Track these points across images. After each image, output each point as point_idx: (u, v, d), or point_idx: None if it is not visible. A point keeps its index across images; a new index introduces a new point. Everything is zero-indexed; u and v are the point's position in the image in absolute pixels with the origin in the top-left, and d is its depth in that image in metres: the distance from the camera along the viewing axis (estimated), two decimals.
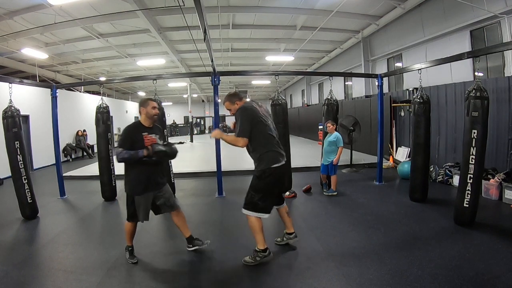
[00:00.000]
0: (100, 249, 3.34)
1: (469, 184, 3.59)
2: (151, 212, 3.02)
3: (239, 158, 10.05)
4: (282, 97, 5.71)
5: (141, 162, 2.80)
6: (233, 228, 3.94)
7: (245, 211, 2.84)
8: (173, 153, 2.96)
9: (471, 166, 3.57)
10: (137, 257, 3.06)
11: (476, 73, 5.98)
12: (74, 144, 11.97)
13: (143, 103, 2.95)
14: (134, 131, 2.88)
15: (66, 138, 11.25)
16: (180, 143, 16.48)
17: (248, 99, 3.12)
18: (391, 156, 8.16)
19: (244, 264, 2.87)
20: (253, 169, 2.91)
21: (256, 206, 2.81)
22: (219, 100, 5.48)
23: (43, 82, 9.86)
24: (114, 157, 2.77)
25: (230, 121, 28.19)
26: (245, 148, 2.89)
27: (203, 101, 29.25)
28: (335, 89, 8.75)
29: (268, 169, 2.78)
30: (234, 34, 10.55)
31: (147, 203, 2.91)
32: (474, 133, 3.54)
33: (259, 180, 2.82)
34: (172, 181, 5.48)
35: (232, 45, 12.17)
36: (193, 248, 3.17)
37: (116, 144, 2.85)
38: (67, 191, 5.87)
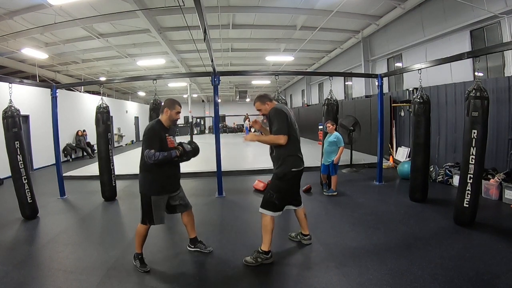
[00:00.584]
0: (100, 249, 3.34)
1: (469, 184, 3.59)
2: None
3: (239, 158, 10.06)
4: (282, 97, 5.71)
5: (163, 163, 2.74)
6: (233, 228, 3.95)
7: (262, 210, 2.92)
8: (198, 151, 2.95)
9: (471, 166, 3.57)
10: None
11: (476, 73, 5.98)
12: (74, 144, 11.97)
13: (170, 105, 2.85)
14: (160, 131, 2.78)
15: (66, 138, 11.25)
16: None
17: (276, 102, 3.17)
18: (391, 156, 8.16)
19: (244, 264, 2.88)
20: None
21: (274, 206, 2.89)
22: (219, 100, 5.49)
23: (43, 82, 9.85)
24: (147, 158, 2.63)
25: (229, 121, 28.22)
26: (266, 148, 2.97)
27: (203, 101, 29.26)
28: (335, 89, 8.76)
29: (290, 172, 2.89)
30: (234, 34, 10.55)
31: (163, 203, 2.86)
32: (474, 133, 3.54)
33: (280, 181, 2.93)
34: None
35: (232, 45, 12.17)
36: (194, 249, 3.18)
37: (144, 146, 2.72)
38: (67, 191, 5.87)
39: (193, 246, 3.19)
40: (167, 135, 2.83)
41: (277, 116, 2.87)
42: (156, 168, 2.74)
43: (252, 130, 20.52)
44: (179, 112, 2.89)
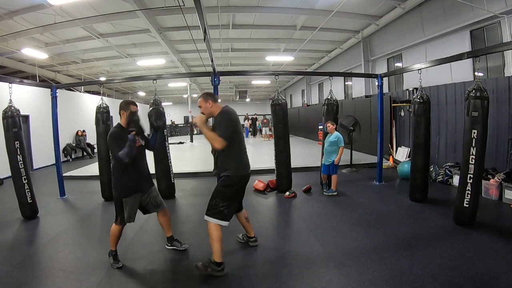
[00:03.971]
0: (100, 249, 3.33)
1: (469, 184, 3.59)
2: (148, 214, 3.08)
3: None
4: (282, 97, 5.71)
5: (127, 165, 2.79)
6: (232, 228, 3.93)
7: (207, 218, 2.75)
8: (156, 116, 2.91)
9: (471, 166, 3.57)
10: (136, 257, 3.07)
11: (476, 73, 5.97)
12: (74, 144, 11.97)
13: (124, 106, 2.94)
14: (119, 133, 2.83)
15: (66, 138, 11.25)
16: (180, 143, 16.48)
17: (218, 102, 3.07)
18: (391, 156, 8.16)
19: (195, 267, 2.74)
20: (254, 169, 2.92)
21: (220, 213, 2.73)
22: (219, 100, 5.47)
23: (43, 82, 9.86)
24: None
25: None
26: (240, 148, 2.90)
27: None
28: (335, 89, 8.75)
29: (236, 177, 2.78)
30: (234, 34, 10.55)
31: (134, 204, 2.94)
32: (474, 133, 3.54)
33: (226, 188, 2.78)
34: (172, 181, 5.48)
35: (232, 45, 12.17)
36: (171, 247, 3.29)
37: (111, 153, 2.84)
38: (67, 191, 5.87)
39: (169, 245, 3.31)
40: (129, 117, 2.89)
41: (226, 119, 2.76)
42: (122, 171, 2.85)
43: (251, 130, 20.57)
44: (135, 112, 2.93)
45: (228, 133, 2.70)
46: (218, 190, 2.81)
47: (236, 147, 2.79)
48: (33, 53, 9.09)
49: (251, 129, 20.57)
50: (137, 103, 3.18)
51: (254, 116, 20.46)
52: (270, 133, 16.89)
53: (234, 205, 2.91)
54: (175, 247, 3.27)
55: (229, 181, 2.77)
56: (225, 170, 2.79)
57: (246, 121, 21.46)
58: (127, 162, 2.74)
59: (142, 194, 2.98)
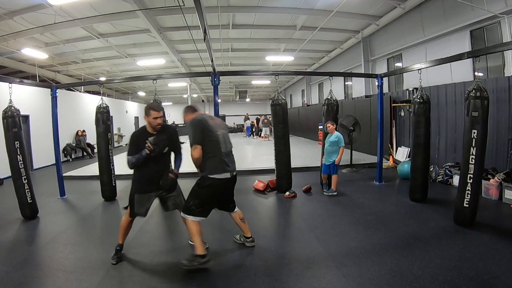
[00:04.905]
0: (100, 249, 3.34)
1: (469, 184, 3.59)
2: (148, 215, 3.10)
3: (239, 158, 10.04)
4: (282, 97, 5.71)
5: (145, 164, 2.86)
6: (232, 227, 3.92)
7: (182, 214, 2.88)
8: (163, 142, 2.90)
9: (471, 166, 3.57)
10: (137, 257, 3.08)
11: (476, 73, 5.97)
12: (74, 144, 11.97)
13: (146, 111, 2.91)
14: (139, 137, 2.88)
15: (66, 138, 11.25)
16: (180, 143, 16.47)
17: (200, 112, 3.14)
18: (391, 156, 8.16)
19: (181, 266, 2.78)
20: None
21: (192, 211, 2.81)
22: (219, 100, 5.48)
23: (43, 82, 9.85)
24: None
25: (229, 121, 28.22)
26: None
27: (203, 101, 29.22)
28: (335, 89, 8.75)
29: (208, 178, 2.81)
30: (234, 34, 10.54)
31: (146, 201, 3.00)
32: (474, 133, 3.54)
33: (197, 187, 2.87)
34: None
35: (232, 45, 12.17)
36: (193, 243, 3.21)
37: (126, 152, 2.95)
38: (67, 191, 5.87)
39: (192, 241, 3.29)
40: (148, 140, 2.82)
41: (191, 128, 2.83)
42: (138, 170, 2.93)
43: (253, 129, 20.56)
44: (156, 117, 2.85)
45: (194, 140, 2.77)
46: (192, 189, 2.93)
47: (207, 151, 2.81)
48: (33, 53, 9.08)
49: (253, 130, 20.55)
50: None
51: (260, 116, 20.23)
52: (269, 133, 16.90)
53: (208, 206, 2.91)
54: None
55: (200, 181, 2.87)
56: (202, 171, 2.89)
57: (247, 121, 21.44)
58: (148, 162, 2.84)
59: (157, 193, 3.02)
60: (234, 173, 2.98)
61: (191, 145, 2.78)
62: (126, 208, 3.11)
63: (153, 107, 2.88)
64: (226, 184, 2.93)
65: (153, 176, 2.93)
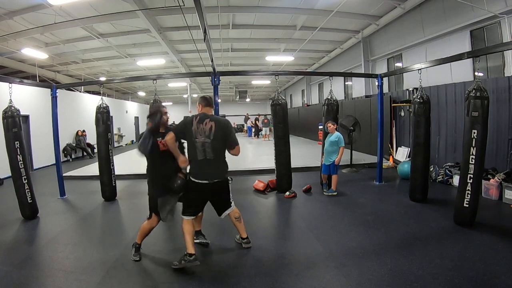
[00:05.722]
0: (100, 249, 3.34)
1: (469, 184, 3.59)
2: (147, 215, 3.11)
3: (239, 158, 10.05)
4: (282, 97, 5.71)
5: (162, 163, 2.95)
6: (232, 227, 3.92)
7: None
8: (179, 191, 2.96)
9: (471, 166, 3.57)
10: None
11: (476, 73, 5.97)
12: (74, 144, 11.96)
13: (149, 117, 3.02)
14: (148, 137, 2.90)
15: (66, 138, 11.25)
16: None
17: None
18: (391, 156, 8.16)
19: (172, 267, 2.82)
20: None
21: (182, 210, 2.95)
22: (219, 100, 5.48)
23: (43, 82, 9.86)
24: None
25: (229, 121, 28.20)
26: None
27: None
28: (335, 89, 8.74)
29: (190, 181, 2.92)
30: (234, 34, 10.54)
31: (170, 204, 2.98)
32: (474, 133, 3.54)
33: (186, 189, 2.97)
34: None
35: (232, 45, 12.16)
36: (197, 241, 3.31)
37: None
38: (67, 191, 5.87)
39: (195, 238, 3.33)
40: (159, 139, 2.92)
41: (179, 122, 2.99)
42: (153, 171, 3.00)
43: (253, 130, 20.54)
44: (166, 112, 3.05)
45: (169, 142, 2.85)
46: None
47: (188, 154, 2.92)
48: (33, 53, 9.08)
49: (252, 130, 20.54)
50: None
51: (259, 116, 20.12)
52: (269, 133, 16.89)
53: (194, 207, 2.98)
54: (199, 240, 3.36)
55: (188, 184, 2.94)
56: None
57: (249, 121, 21.40)
58: (156, 161, 2.94)
59: (175, 194, 2.98)
60: (215, 180, 2.92)
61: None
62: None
63: (159, 104, 3.13)
64: (209, 189, 2.93)
65: (165, 175, 2.94)
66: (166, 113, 3.04)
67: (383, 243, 3.30)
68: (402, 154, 7.96)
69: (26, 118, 8.96)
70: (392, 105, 8.32)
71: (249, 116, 21.99)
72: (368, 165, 7.87)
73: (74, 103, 12.60)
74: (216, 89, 5.65)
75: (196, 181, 2.88)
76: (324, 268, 2.83)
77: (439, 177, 6.00)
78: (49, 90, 5.68)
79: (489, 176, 4.91)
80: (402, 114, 8.25)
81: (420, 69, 4.77)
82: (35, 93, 9.23)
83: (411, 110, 5.68)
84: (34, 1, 6.70)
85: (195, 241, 3.28)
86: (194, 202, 2.98)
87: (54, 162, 5.95)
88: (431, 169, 5.88)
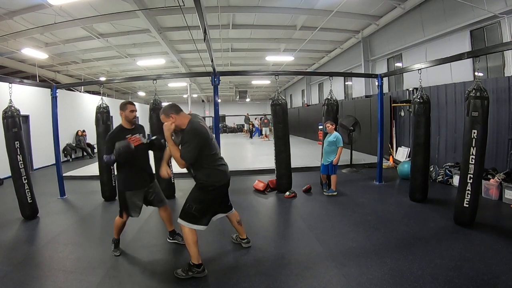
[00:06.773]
0: (100, 249, 3.34)
1: (469, 184, 3.59)
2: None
3: (239, 158, 10.04)
4: (282, 97, 5.71)
5: (131, 162, 2.99)
6: (231, 227, 3.93)
7: (180, 221, 2.71)
8: (127, 148, 2.92)
9: (471, 166, 3.57)
10: (137, 257, 3.09)
11: (476, 73, 5.97)
12: (74, 144, 11.97)
13: (122, 107, 3.14)
14: (117, 135, 3.04)
15: (66, 138, 11.25)
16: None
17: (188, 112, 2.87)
18: (391, 156, 8.16)
19: (175, 276, 2.71)
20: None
21: (194, 217, 2.69)
22: (219, 100, 5.48)
23: (43, 82, 9.84)
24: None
25: (229, 121, 28.22)
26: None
27: (203, 101, 29.24)
28: (335, 89, 8.76)
29: (212, 186, 2.72)
30: (234, 34, 10.54)
31: (138, 199, 3.11)
32: (474, 133, 3.53)
33: (200, 192, 2.73)
34: (172, 181, 5.47)
35: (232, 45, 12.17)
36: (172, 241, 3.45)
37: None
38: (67, 191, 5.87)
39: (171, 238, 3.49)
40: (129, 136, 3.03)
41: (191, 139, 2.54)
42: (124, 167, 3.05)
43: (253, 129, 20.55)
44: (133, 110, 3.14)
45: (193, 155, 2.56)
46: (193, 193, 2.77)
47: (204, 161, 2.66)
48: (33, 53, 9.08)
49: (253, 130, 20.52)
50: (137, 103, 3.28)
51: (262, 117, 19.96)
52: (268, 133, 16.89)
53: (210, 210, 2.83)
54: (176, 241, 3.44)
55: (203, 186, 2.73)
56: (199, 178, 2.74)
57: (256, 121, 21.31)
58: (130, 159, 2.94)
59: (144, 189, 3.15)
60: (229, 176, 2.89)
61: (182, 157, 2.55)
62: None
63: (130, 102, 3.20)
64: (226, 187, 2.90)
65: (138, 172, 3.09)
66: (133, 111, 3.13)
67: (383, 243, 3.30)
68: (402, 154, 7.96)
69: (26, 118, 8.95)
70: (392, 105, 8.32)
71: (249, 116, 21.99)
72: (368, 165, 7.87)
73: (74, 103, 12.59)
74: (216, 89, 5.65)
75: (217, 184, 2.74)
76: (324, 268, 2.83)
77: (439, 177, 6.00)
78: (49, 90, 5.68)
79: (489, 176, 4.91)
80: (402, 114, 8.25)
81: (420, 69, 4.77)
82: (35, 93, 9.23)
83: (411, 110, 5.68)
84: (34, 1, 6.70)
85: (171, 241, 3.45)
86: (213, 207, 2.86)
87: (54, 162, 5.94)
88: (431, 169, 5.89)
